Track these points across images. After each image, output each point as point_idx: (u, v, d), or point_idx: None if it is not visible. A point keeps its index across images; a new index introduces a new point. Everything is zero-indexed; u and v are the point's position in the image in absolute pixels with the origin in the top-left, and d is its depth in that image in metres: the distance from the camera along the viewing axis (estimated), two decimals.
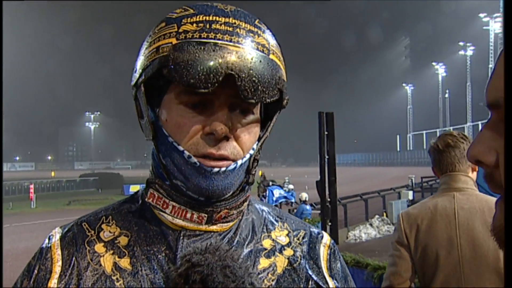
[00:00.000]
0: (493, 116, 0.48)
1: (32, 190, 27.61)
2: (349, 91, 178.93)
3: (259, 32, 0.78)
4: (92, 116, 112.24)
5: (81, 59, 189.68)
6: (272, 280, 0.83)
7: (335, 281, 0.88)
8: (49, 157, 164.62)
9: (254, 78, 0.73)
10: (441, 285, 1.92)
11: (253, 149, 0.82)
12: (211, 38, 0.74)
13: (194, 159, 0.77)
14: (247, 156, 0.81)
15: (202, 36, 0.74)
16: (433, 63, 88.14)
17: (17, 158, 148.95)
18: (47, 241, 0.85)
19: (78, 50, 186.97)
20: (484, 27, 64.73)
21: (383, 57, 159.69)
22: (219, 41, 0.73)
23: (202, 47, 0.73)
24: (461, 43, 74.40)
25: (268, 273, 0.83)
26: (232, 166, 0.78)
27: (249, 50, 0.75)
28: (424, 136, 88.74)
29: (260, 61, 0.75)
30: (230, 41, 0.74)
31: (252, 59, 0.74)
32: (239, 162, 0.79)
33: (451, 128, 72.10)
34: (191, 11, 0.78)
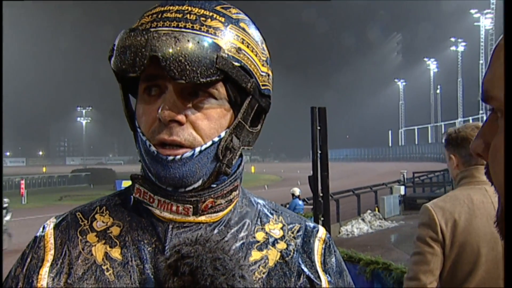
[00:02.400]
0: (493, 110, 0.48)
1: (23, 186, 27.44)
2: (342, 87, 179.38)
3: (215, 16, 0.78)
4: (83, 111, 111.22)
5: (72, 57, 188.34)
6: (263, 273, 0.82)
7: (328, 276, 0.87)
8: (40, 153, 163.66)
9: (180, 58, 0.72)
10: (479, 282, 1.84)
11: (219, 136, 0.80)
12: (159, 27, 0.75)
13: (153, 148, 0.77)
14: (209, 143, 0.79)
15: (152, 26, 0.75)
16: (425, 59, 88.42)
17: (8, 153, 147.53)
18: (41, 230, 0.85)
19: (69, 48, 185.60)
20: (475, 23, 65.05)
21: (375, 53, 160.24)
22: (163, 28, 0.75)
23: (132, 34, 0.74)
24: (452, 39, 74.68)
25: (259, 265, 0.83)
26: (188, 154, 0.77)
27: (189, 33, 0.75)
28: (416, 131, 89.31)
29: (188, 40, 0.73)
30: (176, 26, 0.75)
31: (188, 41, 0.73)
32: (197, 149, 0.78)
33: (442, 123, 72.66)
34: (156, 5, 0.80)
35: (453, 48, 74.49)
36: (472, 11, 64.93)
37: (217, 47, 0.76)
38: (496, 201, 1.94)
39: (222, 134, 0.81)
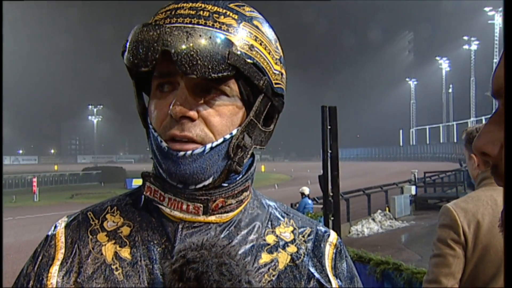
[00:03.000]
0: (498, 108, 0.48)
1: (35, 184, 27.74)
2: (353, 86, 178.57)
3: (228, 13, 0.78)
4: (95, 109, 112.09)
5: (83, 56, 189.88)
6: (273, 276, 0.82)
7: (339, 281, 0.86)
8: (52, 151, 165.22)
9: (192, 53, 0.72)
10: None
11: (231, 134, 0.80)
12: (172, 23, 0.75)
13: (164, 144, 0.77)
14: (220, 140, 0.78)
15: (166, 22, 0.76)
16: (437, 58, 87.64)
17: (20, 151, 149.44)
18: (52, 228, 0.86)
19: (79, 47, 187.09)
20: (489, 21, 64.27)
21: (386, 52, 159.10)
22: (178, 24, 0.75)
23: (145, 29, 0.75)
24: (465, 38, 73.89)
25: (269, 268, 0.82)
26: (199, 150, 0.77)
27: (202, 28, 0.75)
28: (427, 131, 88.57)
29: (210, 37, 0.73)
30: (190, 23, 0.75)
31: (200, 36, 0.73)
32: (208, 145, 0.77)
33: (454, 123, 71.95)
34: (170, 3, 0.80)
35: (466, 46, 73.72)
36: (486, 8, 64.15)
37: (229, 43, 0.75)
38: None
39: (234, 132, 0.80)
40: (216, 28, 0.76)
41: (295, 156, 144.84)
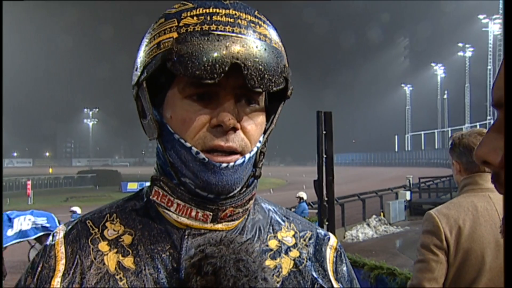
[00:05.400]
0: (499, 116, 0.48)
1: (29, 187, 27.62)
2: (348, 91, 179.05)
3: (259, 22, 0.78)
4: (90, 112, 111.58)
5: (81, 57, 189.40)
6: (277, 282, 0.82)
7: (340, 284, 0.87)
8: (47, 154, 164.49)
9: (260, 66, 0.72)
10: None
11: (259, 141, 0.81)
12: (213, 30, 0.73)
13: (203, 155, 0.76)
14: (255, 149, 0.80)
15: (204, 28, 0.74)
16: (432, 64, 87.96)
17: (15, 154, 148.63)
18: (51, 238, 0.84)
19: (77, 48, 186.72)
20: (483, 29, 64.66)
21: (382, 57, 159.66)
22: (222, 32, 0.73)
23: (206, 38, 0.72)
24: (460, 44, 74.26)
25: (273, 274, 0.82)
26: (240, 161, 0.77)
27: (252, 39, 0.74)
28: (423, 136, 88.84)
29: (265, 49, 0.74)
30: (233, 31, 0.74)
31: (257, 47, 0.74)
32: (247, 156, 0.78)
33: (449, 129, 72.30)
34: (190, 5, 0.78)
35: (460, 53, 74.09)
36: (481, 16, 64.60)
37: (283, 57, 0.78)
38: (500, 209, 1.94)
39: (261, 139, 0.82)
40: (262, 40, 0.76)
41: (291, 160, 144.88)
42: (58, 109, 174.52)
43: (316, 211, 7.82)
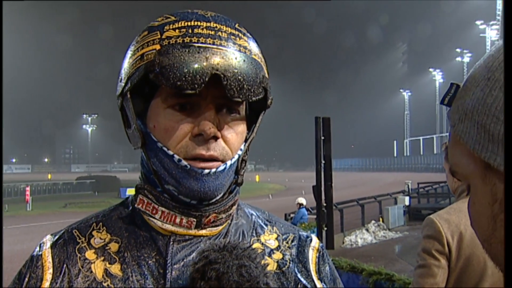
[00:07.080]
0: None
1: (28, 193, 27.50)
2: (346, 96, 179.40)
3: (240, 34, 0.81)
4: (89, 118, 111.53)
5: (79, 60, 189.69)
6: None
7: (323, 284, 0.88)
8: (46, 160, 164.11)
9: (239, 77, 0.75)
10: None
11: (241, 149, 0.84)
12: (195, 42, 0.76)
13: (185, 162, 0.78)
14: (236, 156, 0.82)
15: (186, 40, 0.76)
16: (430, 69, 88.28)
17: (14, 160, 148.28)
18: (37, 248, 0.85)
19: (75, 51, 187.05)
20: (481, 34, 65.05)
21: (380, 62, 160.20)
22: (203, 44, 0.76)
23: (187, 50, 0.75)
24: (458, 50, 74.66)
25: None
26: (222, 167, 0.79)
27: (232, 51, 0.77)
28: (421, 142, 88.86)
29: (244, 61, 0.77)
30: (213, 44, 0.76)
31: (236, 58, 0.76)
32: (229, 162, 0.80)
33: (448, 134, 71.86)
34: (173, 18, 0.80)
35: (458, 58, 74.42)
36: (478, 22, 64.95)
37: (261, 67, 0.81)
38: None
39: (242, 147, 0.84)
40: (241, 51, 0.79)
41: (290, 166, 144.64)
42: (57, 114, 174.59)
43: (315, 216, 7.83)
